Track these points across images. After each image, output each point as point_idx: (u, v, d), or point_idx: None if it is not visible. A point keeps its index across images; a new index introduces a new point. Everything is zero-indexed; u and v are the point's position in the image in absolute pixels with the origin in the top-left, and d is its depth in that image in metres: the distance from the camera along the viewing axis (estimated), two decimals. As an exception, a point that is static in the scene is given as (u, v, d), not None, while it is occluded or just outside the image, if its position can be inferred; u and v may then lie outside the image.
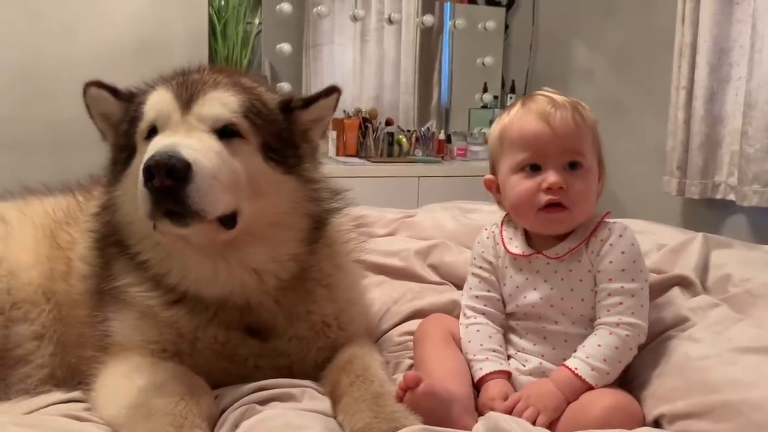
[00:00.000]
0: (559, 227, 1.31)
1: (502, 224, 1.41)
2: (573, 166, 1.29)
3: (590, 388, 1.20)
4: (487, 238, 1.41)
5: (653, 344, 1.33)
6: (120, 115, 1.31)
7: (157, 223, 1.14)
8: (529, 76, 4.45)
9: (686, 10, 3.10)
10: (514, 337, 1.34)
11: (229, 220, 1.18)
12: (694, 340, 1.29)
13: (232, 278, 1.23)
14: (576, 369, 1.20)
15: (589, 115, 1.34)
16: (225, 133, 1.19)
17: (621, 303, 1.24)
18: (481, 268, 1.40)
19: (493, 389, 1.24)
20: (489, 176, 1.42)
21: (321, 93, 1.34)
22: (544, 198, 1.28)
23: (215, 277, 1.23)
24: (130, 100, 1.29)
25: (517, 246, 1.35)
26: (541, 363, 1.28)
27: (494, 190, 1.41)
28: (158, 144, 1.14)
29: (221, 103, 1.21)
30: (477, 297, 1.38)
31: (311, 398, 1.20)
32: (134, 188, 1.16)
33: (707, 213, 3.22)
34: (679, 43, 3.15)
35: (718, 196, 3.10)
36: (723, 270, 1.54)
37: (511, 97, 4.31)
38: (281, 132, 1.28)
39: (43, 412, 1.23)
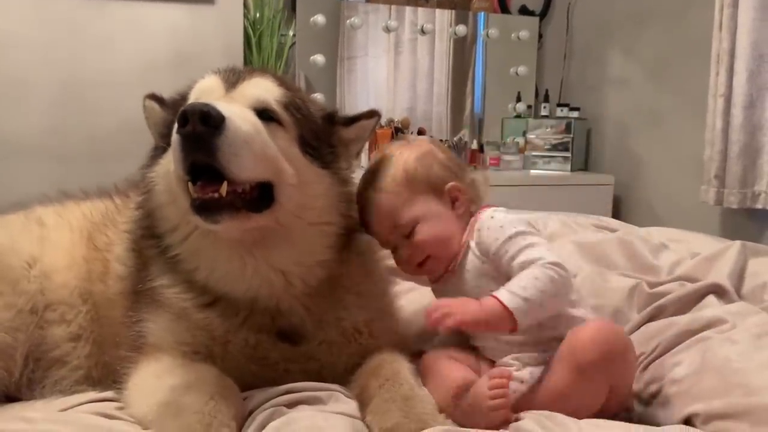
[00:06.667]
0: (434, 274, 1.40)
1: None
2: (409, 234, 1.36)
3: (511, 316, 1.20)
4: None
5: (688, 342, 1.31)
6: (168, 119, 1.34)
7: (190, 216, 1.16)
8: (564, 85, 4.42)
9: (723, 16, 3.04)
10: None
11: (260, 203, 1.18)
12: (733, 341, 1.26)
13: (258, 276, 1.24)
14: (498, 295, 1.22)
15: (408, 166, 1.37)
16: (264, 117, 1.21)
17: (523, 256, 1.27)
18: None
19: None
20: None
21: (363, 114, 1.38)
22: (410, 267, 1.40)
23: (242, 274, 1.24)
24: (175, 106, 1.32)
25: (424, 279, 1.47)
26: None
27: None
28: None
29: (264, 87, 1.25)
30: None
31: (338, 401, 1.21)
32: (168, 167, 1.19)
33: (746, 223, 3.15)
34: (716, 50, 3.09)
35: (758, 206, 3.02)
36: (760, 278, 1.51)
37: (544, 107, 4.27)
38: (319, 132, 1.30)
39: (77, 410, 1.25)
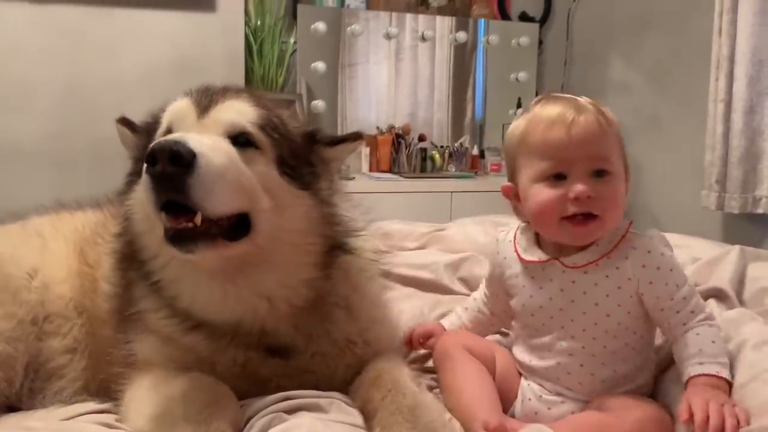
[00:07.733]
0: (587, 237, 1.23)
1: (515, 234, 1.36)
2: (600, 173, 1.21)
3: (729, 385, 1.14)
4: (497, 252, 1.39)
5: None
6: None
7: (166, 247, 1.12)
8: (564, 90, 4.41)
9: (723, 22, 3.05)
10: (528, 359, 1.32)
11: (237, 231, 1.15)
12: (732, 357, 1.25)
13: (242, 303, 1.21)
14: (719, 372, 1.14)
15: (613, 117, 1.26)
16: (240, 142, 1.18)
17: (692, 312, 1.21)
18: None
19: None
20: (507, 184, 1.34)
21: (347, 136, 1.34)
22: (572, 209, 1.19)
23: (225, 302, 1.21)
24: (147, 130, 1.28)
25: (531, 254, 1.30)
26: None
27: (513, 197, 1.33)
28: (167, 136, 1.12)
29: (238, 111, 1.21)
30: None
31: (339, 410, 1.20)
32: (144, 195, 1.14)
33: (747, 227, 3.15)
34: (716, 55, 3.10)
35: (759, 211, 3.03)
36: (760, 283, 1.51)
37: (545, 113, 4.28)
38: (298, 151, 1.26)
39: (78, 420, 1.25)
